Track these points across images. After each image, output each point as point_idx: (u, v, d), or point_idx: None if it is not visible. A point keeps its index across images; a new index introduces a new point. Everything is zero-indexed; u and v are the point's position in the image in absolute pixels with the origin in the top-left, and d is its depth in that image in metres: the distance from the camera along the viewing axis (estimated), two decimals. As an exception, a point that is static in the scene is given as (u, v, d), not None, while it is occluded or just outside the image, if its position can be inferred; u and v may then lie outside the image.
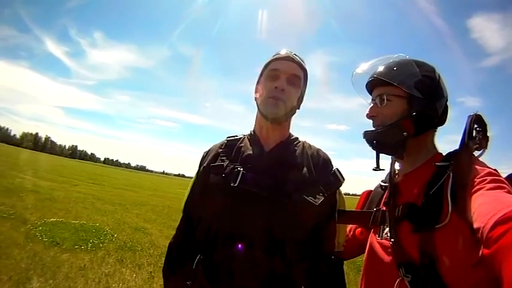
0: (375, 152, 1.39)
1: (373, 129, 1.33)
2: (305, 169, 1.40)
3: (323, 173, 1.42)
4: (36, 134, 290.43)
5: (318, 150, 1.52)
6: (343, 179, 1.42)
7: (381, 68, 1.34)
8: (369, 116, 1.35)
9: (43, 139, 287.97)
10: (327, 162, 1.48)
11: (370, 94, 1.41)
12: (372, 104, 1.36)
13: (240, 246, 1.24)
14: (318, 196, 1.30)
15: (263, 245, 1.24)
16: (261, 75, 1.50)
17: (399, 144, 1.26)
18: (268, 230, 1.25)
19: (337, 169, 1.44)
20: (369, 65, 1.42)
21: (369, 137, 1.34)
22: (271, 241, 1.25)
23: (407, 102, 1.25)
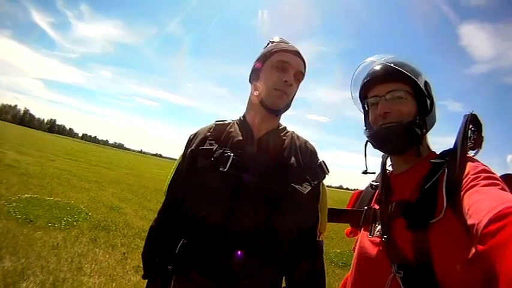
0: (363, 152, 1.43)
1: (392, 124, 1.27)
2: (293, 158, 1.41)
3: (310, 164, 1.44)
4: (15, 106, 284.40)
5: (306, 141, 1.53)
6: (328, 171, 1.45)
7: (395, 62, 1.30)
8: (383, 112, 1.28)
9: (22, 112, 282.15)
10: (313, 153, 1.50)
11: (367, 89, 1.38)
12: (381, 100, 1.30)
13: (231, 232, 1.26)
14: (305, 185, 1.32)
15: (254, 232, 1.27)
16: (264, 62, 1.46)
17: (418, 142, 1.26)
18: (259, 215, 1.28)
19: (323, 161, 1.47)
20: (381, 58, 1.37)
21: (385, 134, 1.29)
22: (260, 227, 1.27)
23: (417, 102, 1.27)
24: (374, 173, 1.48)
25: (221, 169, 1.30)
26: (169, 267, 1.37)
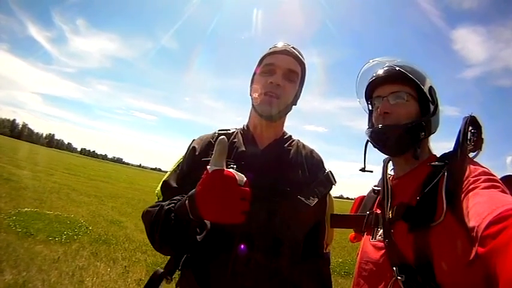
0: (363, 154, 1.43)
1: (390, 124, 1.28)
2: (299, 170, 1.38)
3: (317, 175, 1.40)
4: (14, 120, 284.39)
5: (312, 151, 1.50)
6: (335, 182, 1.41)
7: (401, 65, 1.31)
8: (382, 112, 1.30)
9: (20, 126, 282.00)
10: (320, 163, 1.48)
11: (372, 89, 1.39)
12: (380, 100, 1.33)
13: (240, 246, 1.21)
14: (311, 197, 1.29)
15: (258, 245, 1.22)
16: (256, 70, 1.44)
17: (416, 145, 1.26)
18: (264, 229, 1.23)
19: (330, 171, 1.43)
20: (383, 60, 1.40)
21: (383, 133, 1.31)
22: (266, 241, 1.23)
23: (419, 105, 1.27)
24: (372, 171, 1.47)
25: None
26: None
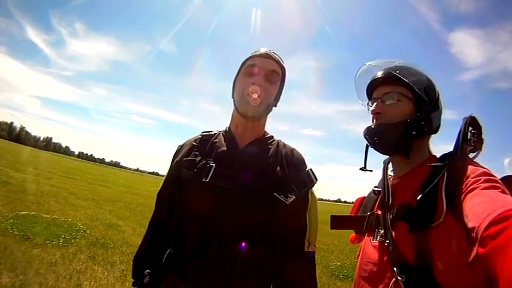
0: (363, 154, 1.43)
1: (381, 124, 1.32)
2: (278, 167, 1.40)
3: (296, 172, 1.42)
4: (11, 123, 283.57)
5: (293, 149, 1.52)
6: (316, 180, 1.44)
7: (394, 67, 1.35)
8: (374, 112, 1.33)
9: (18, 129, 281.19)
10: (300, 161, 1.49)
11: (371, 91, 1.42)
12: (376, 102, 1.35)
13: (214, 243, 1.25)
14: (289, 195, 1.30)
15: (237, 242, 1.25)
16: (238, 72, 1.49)
17: (408, 143, 1.27)
18: (240, 226, 1.27)
19: (310, 169, 1.45)
20: (379, 63, 1.43)
21: (375, 132, 1.33)
22: (243, 238, 1.26)
23: (414, 105, 1.27)
24: (371, 170, 1.47)
25: (203, 180, 1.30)
26: (157, 276, 1.37)
